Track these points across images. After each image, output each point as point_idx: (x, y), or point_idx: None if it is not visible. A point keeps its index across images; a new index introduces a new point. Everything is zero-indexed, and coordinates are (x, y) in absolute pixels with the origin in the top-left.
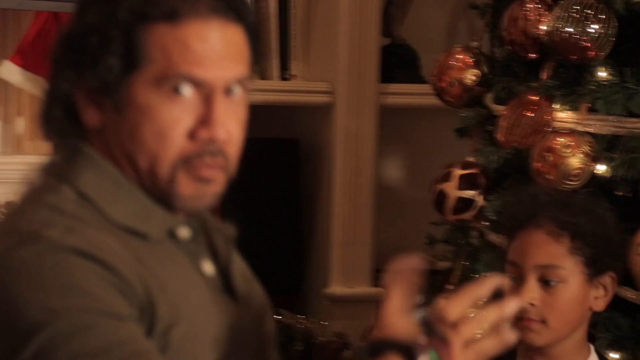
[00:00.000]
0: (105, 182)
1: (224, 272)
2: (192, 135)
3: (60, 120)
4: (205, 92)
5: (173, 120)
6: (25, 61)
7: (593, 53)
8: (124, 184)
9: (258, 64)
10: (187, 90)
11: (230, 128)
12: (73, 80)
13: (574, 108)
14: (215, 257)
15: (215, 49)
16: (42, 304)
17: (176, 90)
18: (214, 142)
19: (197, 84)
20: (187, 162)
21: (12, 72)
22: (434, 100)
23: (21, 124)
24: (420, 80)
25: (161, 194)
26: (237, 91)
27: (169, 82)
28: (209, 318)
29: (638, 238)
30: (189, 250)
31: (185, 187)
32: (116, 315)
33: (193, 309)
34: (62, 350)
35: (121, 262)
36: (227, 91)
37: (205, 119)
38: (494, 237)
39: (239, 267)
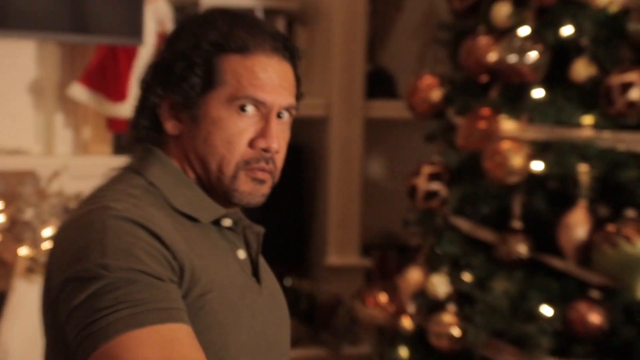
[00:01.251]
0: (168, 176)
1: (252, 262)
2: (252, 144)
3: (145, 128)
4: (263, 112)
5: (239, 131)
6: (90, 83)
7: (531, 77)
8: (183, 179)
9: (297, 96)
10: (250, 109)
11: (280, 143)
12: (161, 96)
13: (516, 119)
14: (247, 248)
15: (274, 79)
16: (100, 261)
17: (242, 108)
18: (269, 151)
19: (259, 104)
20: (247, 164)
21: (79, 92)
22: (407, 114)
23: (87, 132)
24: (396, 97)
25: (224, 190)
26: (285, 116)
27: (238, 101)
28: (239, 291)
29: (565, 220)
30: (228, 238)
31: (244, 185)
32: (156, 276)
33: (226, 282)
34: (109, 296)
35: (168, 236)
36: (278, 114)
37: (263, 133)
38: (455, 221)
39: (264, 263)
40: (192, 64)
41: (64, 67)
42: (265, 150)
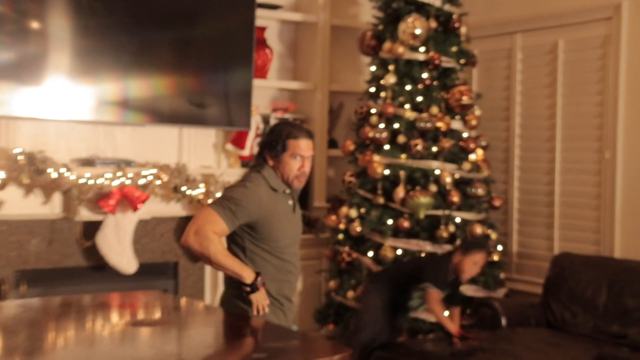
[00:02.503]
0: (270, 174)
1: (294, 205)
2: (298, 169)
3: (260, 160)
4: (303, 158)
5: (294, 165)
6: (233, 142)
7: (384, 142)
8: (275, 175)
9: (313, 149)
10: (298, 157)
11: (308, 168)
12: (267, 152)
13: (379, 156)
14: (293, 200)
15: (307, 146)
16: (231, 195)
17: (295, 157)
18: (305, 173)
19: (301, 155)
20: (297, 177)
21: (229, 146)
22: (342, 154)
23: (231, 160)
24: (338, 148)
25: (288, 184)
26: (310, 158)
27: (294, 154)
28: (286, 216)
29: (396, 191)
30: (286, 196)
31: (296, 184)
32: (243, 207)
33: (282, 214)
34: (221, 201)
35: (263, 197)
36: (308, 158)
37: (302, 165)
38: (358, 190)
39: (298, 207)
40: (277, 143)
41: (224, 137)
42: (303, 171)
